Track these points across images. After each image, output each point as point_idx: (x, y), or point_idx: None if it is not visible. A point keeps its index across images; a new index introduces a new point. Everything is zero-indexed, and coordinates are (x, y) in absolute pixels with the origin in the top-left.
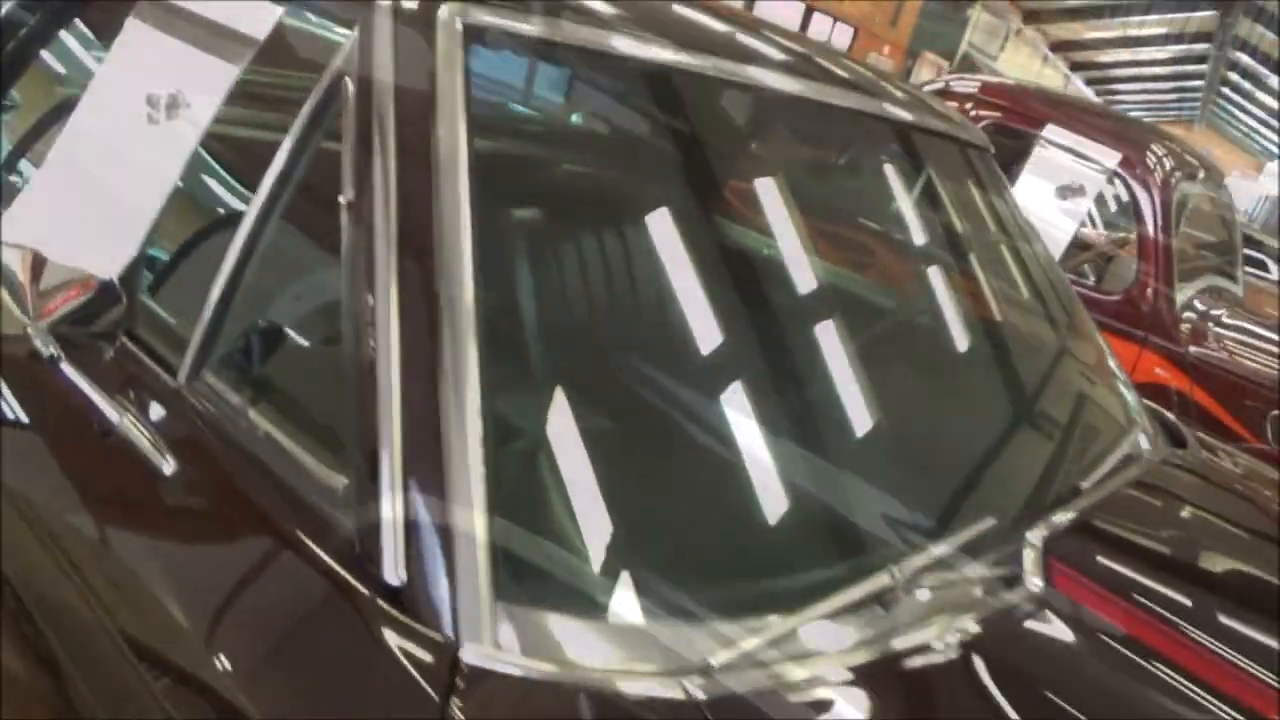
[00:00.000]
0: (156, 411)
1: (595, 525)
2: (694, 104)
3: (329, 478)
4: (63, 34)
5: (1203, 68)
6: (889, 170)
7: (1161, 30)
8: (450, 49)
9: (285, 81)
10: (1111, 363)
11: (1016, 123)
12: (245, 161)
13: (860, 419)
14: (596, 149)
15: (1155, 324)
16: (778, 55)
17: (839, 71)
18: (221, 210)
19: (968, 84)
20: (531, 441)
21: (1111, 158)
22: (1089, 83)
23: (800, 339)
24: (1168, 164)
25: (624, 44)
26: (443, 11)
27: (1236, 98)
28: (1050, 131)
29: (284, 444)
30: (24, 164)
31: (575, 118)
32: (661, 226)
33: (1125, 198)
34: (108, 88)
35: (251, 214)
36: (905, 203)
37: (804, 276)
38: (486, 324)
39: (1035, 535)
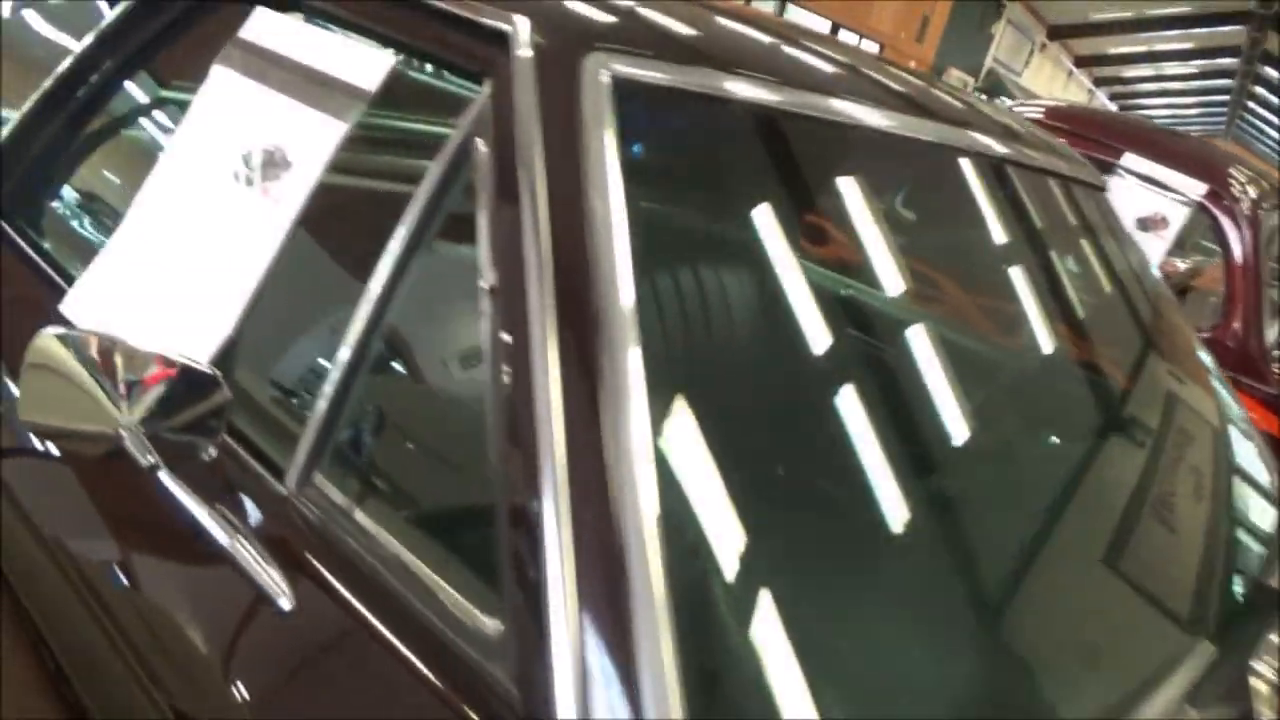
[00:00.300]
0: (263, 523)
1: (803, 679)
2: (832, 151)
3: (479, 620)
4: (131, 84)
5: (1229, 82)
6: (1005, 215)
7: (1188, 45)
8: (599, 106)
9: (405, 141)
10: (1247, 421)
11: (1087, 150)
12: (360, 231)
13: (1049, 533)
14: (751, 207)
15: (1244, 363)
16: (906, 97)
17: (953, 109)
18: (333, 287)
19: (1031, 109)
20: (717, 570)
21: (1196, 188)
22: (1113, 98)
23: (978, 439)
24: (1253, 192)
25: (771, 94)
26: (589, 63)
27: (1264, 112)
28: (1128, 160)
29: (418, 572)
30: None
31: (726, 172)
32: (830, 287)
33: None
34: (192, 144)
35: (372, 294)
36: (1025, 253)
37: (973, 370)
38: (666, 429)
39: (1262, 665)
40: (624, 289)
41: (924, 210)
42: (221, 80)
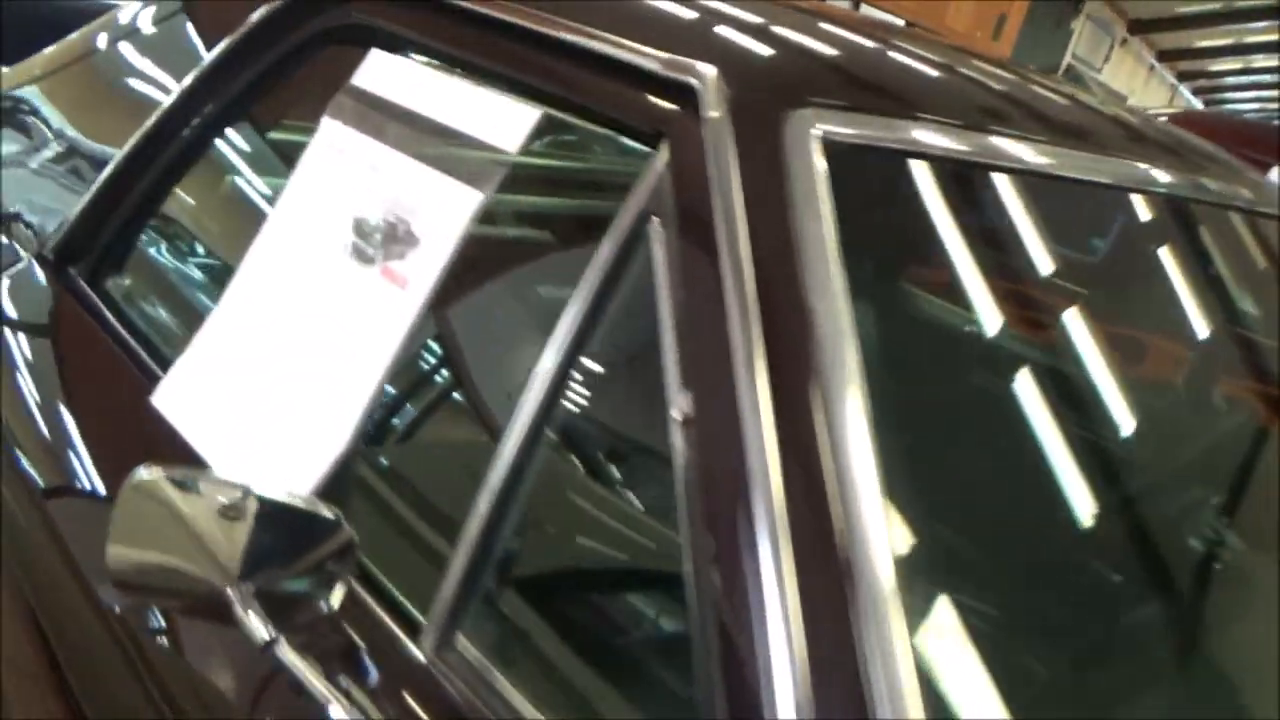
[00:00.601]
0: (391, 696)
1: None
2: (1081, 211)
3: None
4: (229, 137)
5: None
6: (1193, 258)
7: (1277, 37)
8: (812, 178)
9: (554, 215)
10: None
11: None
12: (504, 325)
13: None
14: (998, 290)
15: None
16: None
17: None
18: (475, 393)
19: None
20: None
21: None
22: (1197, 92)
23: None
24: None
25: (1013, 151)
26: (793, 123)
27: None
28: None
29: None
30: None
31: (965, 253)
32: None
33: None
34: (299, 212)
35: (526, 409)
36: (1218, 301)
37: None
38: (914, 591)
39: None
40: (860, 422)
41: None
42: (332, 136)
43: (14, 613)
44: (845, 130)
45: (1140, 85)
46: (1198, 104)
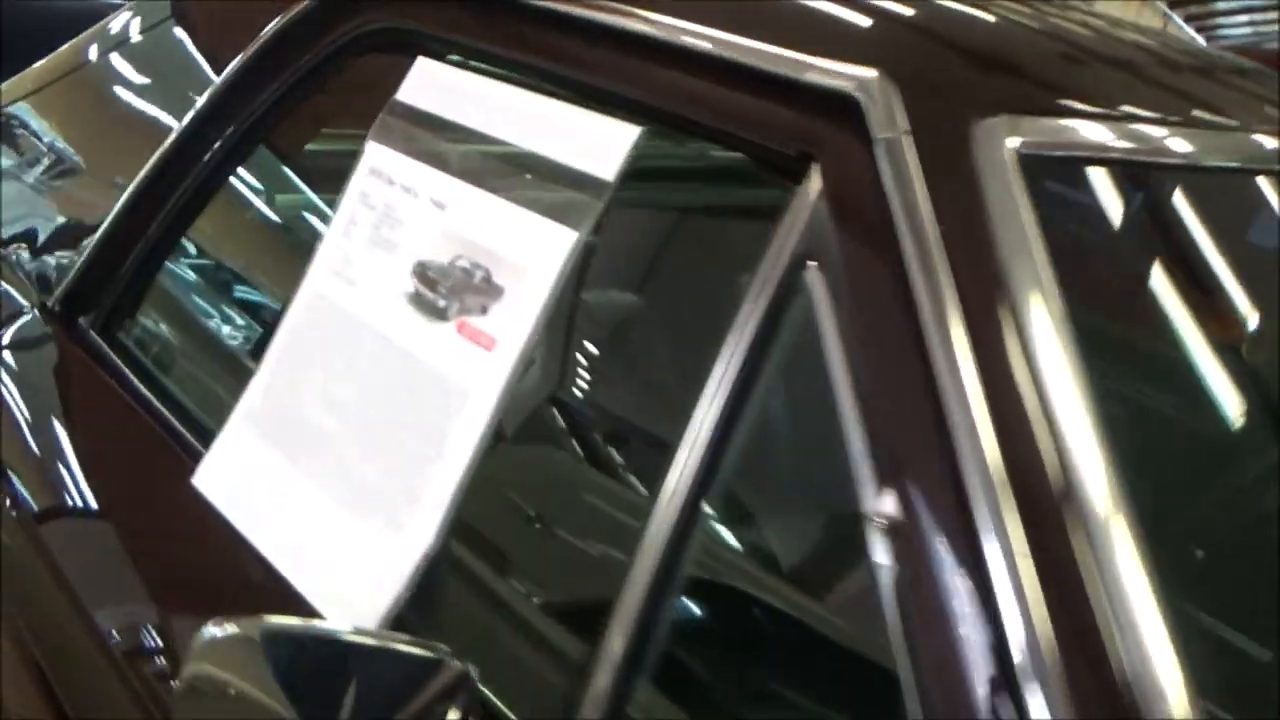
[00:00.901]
0: None
1: None
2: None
3: None
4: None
5: None
6: None
7: None
8: (1013, 203)
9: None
10: None
11: None
12: (618, 391)
13: None
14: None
15: None
16: None
17: None
18: (588, 476)
19: None
20: None
21: None
22: (1189, 19)
23: None
24: None
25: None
26: (982, 135)
27: None
28: None
29: None
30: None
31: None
32: None
33: None
34: (346, 256)
35: (676, 491)
36: None
37: None
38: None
39: None
40: (1113, 509)
41: None
42: (378, 163)
43: (17, 662)
44: (1043, 140)
45: (1132, 15)
46: (1191, 32)
